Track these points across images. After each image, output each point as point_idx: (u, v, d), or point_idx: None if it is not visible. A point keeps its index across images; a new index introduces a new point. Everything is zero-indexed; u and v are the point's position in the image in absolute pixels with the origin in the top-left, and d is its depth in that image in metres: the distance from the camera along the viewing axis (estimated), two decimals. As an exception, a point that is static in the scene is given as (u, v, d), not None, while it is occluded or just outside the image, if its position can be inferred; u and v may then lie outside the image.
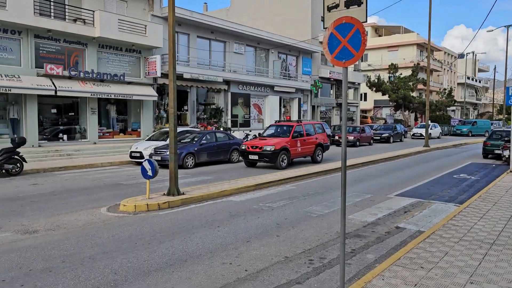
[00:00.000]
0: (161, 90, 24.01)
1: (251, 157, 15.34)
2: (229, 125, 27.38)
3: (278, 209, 8.74)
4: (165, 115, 24.38)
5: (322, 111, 38.34)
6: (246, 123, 29.35)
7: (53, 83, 17.96)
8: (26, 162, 13.66)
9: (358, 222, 7.64)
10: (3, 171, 13.01)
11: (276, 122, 18.77)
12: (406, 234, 6.87)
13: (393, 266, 5.05)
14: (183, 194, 9.61)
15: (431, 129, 35.16)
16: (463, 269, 4.95)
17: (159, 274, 5.11)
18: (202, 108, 27.58)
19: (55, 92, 17.87)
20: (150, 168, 9.02)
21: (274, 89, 31.45)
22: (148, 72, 22.44)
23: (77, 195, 10.22)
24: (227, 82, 27.46)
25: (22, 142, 13.61)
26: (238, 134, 24.44)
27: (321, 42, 35.72)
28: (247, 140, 21.73)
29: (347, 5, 3.89)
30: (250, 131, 24.77)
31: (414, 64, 48.25)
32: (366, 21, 3.89)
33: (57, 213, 8.27)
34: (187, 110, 25.84)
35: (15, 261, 5.50)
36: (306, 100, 35.93)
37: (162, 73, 22.41)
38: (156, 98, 22.76)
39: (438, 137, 37.40)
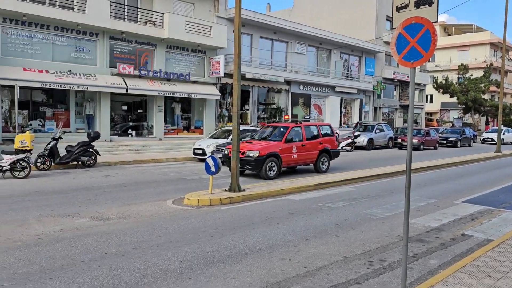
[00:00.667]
0: (223, 90, 24.63)
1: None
2: (289, 125, 27.43)
3: (337, 209, 8.72)
4: (226, 114, 25.01)
5: (385, 112, 37.24)
6: (306, 124, 29.22)
7: (124, 82, 19.11)
8: (99, 155, 14.70)
9: (421, 227, 7.43)
10: (80, 162, 14.09)
11: (272, 122, 16.63)
12: (473, 242, 6.58)
13: (458, 273, 4.89)
14: (244, 191, 9.87)
15: (503, 134, 32.93)
16: (536, 281, 4.68)
17: (221, 265, 5.34)
18: (262, 108, 27.92)
19: (126, 90, 19.00)
20: (213, 164, 9.38)
21: (335, 90, 31.07)
22: (212, 72, 23.13)
23: (144, 187, 10.85)
24: (288, 82, 27.58)
25: (97, 136, 14.66)
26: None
27: (385, 42, 34.76)
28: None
29: (417, 5, 3.85)
30: (310, 131, 24.65)
31: (487, 65, 45.41)
32: (437, 21, 3.82)
33: (127, 203, 8.85)
34: (248, 109, 26.29)
35: (92, 245, 6.00)
36: (368, 101, 35.11)
37: (225, 73, 23.00)
38: (218, 97, 23.40)
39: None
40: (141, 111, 21.88)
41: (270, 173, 12.42)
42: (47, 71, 17.05)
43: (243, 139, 17.01)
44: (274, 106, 28.24)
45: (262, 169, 12.22)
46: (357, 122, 30.62)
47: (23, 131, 14.19)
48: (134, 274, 4.94)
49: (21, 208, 8.20)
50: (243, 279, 4.90)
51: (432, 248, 6.22)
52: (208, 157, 9.60)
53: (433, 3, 3.77)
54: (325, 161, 14.44)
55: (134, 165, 15.63)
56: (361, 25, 35.59)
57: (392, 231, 7.13)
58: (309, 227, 7.29)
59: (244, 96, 26.52)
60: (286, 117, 17.22)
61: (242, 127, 19.84)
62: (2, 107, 16.59)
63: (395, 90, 37.91)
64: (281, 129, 13.80)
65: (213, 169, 9.40)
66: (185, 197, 9.24)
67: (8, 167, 11.59)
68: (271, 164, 12.44)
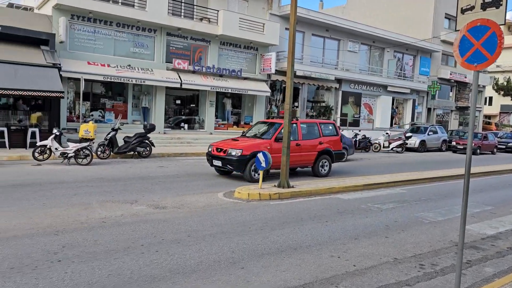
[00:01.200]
0: (273, 86, 24.78)
1: (215, 162, 11.41)
2: (338, 123, 27.18)
3: (387, 211, 8.63)
4: (276, 111, 25.16)
5: (439, 114, 35.86)
6: (355, 123, 28.83)
7: (179, 77, 19.76)
8: (154, 146, 15.35)
9: (476, 233, 7.21)
10: (136, 153, 14.80)
11: (267, 118, 14.88)
12: (533, 252, 6.32)
13: (514, 283, 4.76)
14: (293, 187, 9.99)
15: None
16: None
17: (272, 257, 5.51)
18: (311, 105, 27.81)
19: (181, 84, 19.64)
20: (264, 159, 9.57)
21: (387, 89, 30.32)
22: (263, 69, 23.36)
23: (196, 179, 11.25)
24: (338, 81, 27.28)
25: (153, 128, 15.33)
26: (347, 133, 24.13)
27: (443, 41, 33.43)
28: (355, 140, 21.44)
29: (483, 7, 3.78)
30: (360, 130, 24.33)
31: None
32: (504, 24, 3.73)
33: (181, 194, 9.25)
34: (297, 107, 26.30)
35: (150, 231, 6.37)
36: (421, 102, 33.98)
37: (276, 70, 23.15)
38: (269, 94, 23.60)
39: None
40: (193, 105, 22.53)
41: (255, 175, 10.92)
42: (108, 65, 17.99)
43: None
44: (323, 104, 28.04)
45: (246, 170, 10.90)
46: (411, 123, 29.77)
47: (85, 121, 15.08)
48: (190, 261, 5.22)
49: (85, 193, 8.81)
50: (293, 272, 5.04)
51: (488, 256, 6.05)
52: (259, 152, 9.80)
53: (501, 5, 3.69)
54: (326, 164, 12.83)
55: (186, 157, 16.17)
56: (417, 23, 34.42)
57: (445, 236, 6.98)
58: (358, 226, 7.30)
59: (294, 93, 26.50)
60: (282, 112, 15.14)
61: (291, 124, 19.95)
62: (67, 98, 17.69)
63: (451, 91, 36.38)
64: (274, 126, 12.32)
65: (263, 164, 9.59)
66: (235, 190, 9.50)
67: (73, 154, 12.43)
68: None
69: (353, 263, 5.48)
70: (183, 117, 21.99)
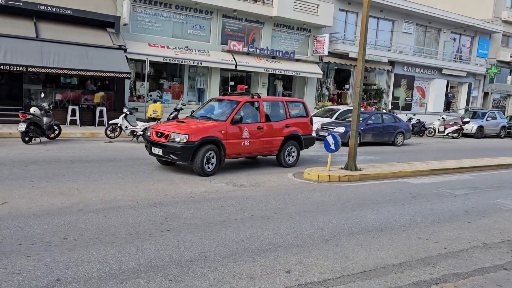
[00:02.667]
0: (324, 68, 24.58)
1: (155, 150, 8.95)
2: (389, 107, 26.68)
3: (461, 196, 8.57)
4: (326, 93, 25.03)
5: (495, 99, 34.33)
6: (407, 106, 28.18)
7: (234, 58, 20.01)
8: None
9: (561, 222, 7.07)
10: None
11: (226, 95, 11.12)
12: None
13: None
14: (360, 170, 10.08)
15: None
16: None
17: (361, 237, 5.68)
18: (363, 88, 27.35)
19: (235, 66, 19.91)
20: (333, 142, 9.68)
21: (442, 72, 29.30)
22: (316, 50, 23.19)
23: (263, 160, 11.53)
24: (391, 63, 26.65)
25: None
26: (402, 117, 23.73)
27: (504, 21, 31.74)
28: (409, 123, 20.89)
29: None
30: (414, 114, 23.78)
31: None
32: None
33: (252, 173, 9.56)
34: (348, 89, 26.02)
35: (237, 207, 6.70)
36: (477, 86, 32.63)
37: (328, 52, 22.91)
38: (321, 76, 23.46)
39: None
40: (246, 86, 22.77)
41: (207, 168, 8.78)
42: (168, 47, 18.48)
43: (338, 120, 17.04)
44: (375, 86, 27.55)
45: (195, 161, 8.61)
46: (467, 108, 28.77)
47: (154, 102, 15.70)
48: (285, 236, 5.49)
49: (163, 168, 9.29)
50: (386, 251, 5.21)
51: None
52: (328, 135, 9.91)
53: None
54: (293, 152, 10.68)
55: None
56: (476, 2, 32.77)
57: (529, 223, 6.90)
58: (436, 211, 7.32)
59: (345, 76, 26.28)
60: (242, 87, 12.01)
61: (344, 107, 19.87)
62: (129, 79, 18.39)
63: (510, 75, 34.63)
64: (230, 104, 9.84)
65: (332, 146, 9.71)
66: (305, 171, 9.70)
67: (141, 132, 13.02)
68: (210, 154, 8.74)
69: (443, 245, 5.57)
70: (237, 98, 22.33)
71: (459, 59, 30.62)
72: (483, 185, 9.99)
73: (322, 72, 23.41)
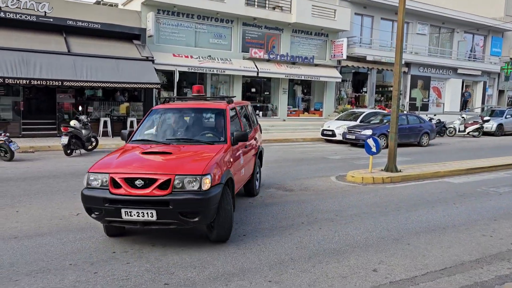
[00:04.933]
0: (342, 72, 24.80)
1: (135, 216, 4.73)
2: (407, 108, 26.79)
3: (506, 194, 8.70)
4: (345, 96, 25.22)
5: (510, 96, 34.30)
6: (424, 107, 28.26)
7: (255, 65, 20.30)
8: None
9: None
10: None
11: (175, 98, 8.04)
12: None
13: None
14: (400, 171, 10.24)
15: None
16: None
17: (428, 235, 5.85)
18: (380, 90, 27.54)
19: (257, 73, 20.20)
20: (374, 145, 9.85)
21: (457, 72, 29.39)
22: (334, 55, 23.42)
23: (300, 164, 11.75)
24: (407, 64, 26.79)
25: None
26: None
27: (518, 19, 31.74)
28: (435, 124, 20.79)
29: None
30: (435, 115, 23.88)
31: None
32: None
33: (296, 178, 9.76)
34: (366, 92, 26.20)
35: (299, 211, 6.89)
36: (492, 84, 32.64)
37: (347, 56, 23.13)
38: (340, 80, 23.67)
39: None
40: (267, 92, 23.04)
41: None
42: (191, 56, 18.82)
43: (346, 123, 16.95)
44: (391, 89, 27.64)
45: (218, 217, 5.10)
46: (483, 106, 28.79)
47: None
48: (356, 237, 5.68)
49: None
50: (458, 249, 5.37)
51: None
52: (369, 137, 10.10)
53: None
54: (257, 173, 7.92)
55: (269, 143, 16.73)
56: (488, 1, 32.87)
57: None
58: (488, 209, 7.47)
59: (362, 79, 26.46)
60: (199, 88, 7.98)
61: (368, 110, 20.04)
62: (159, 89, 18.64)
63: (523, 72, 34.59)
64: (209, 115, 6.86)
65: (374, 149, 9.88)
66: (347, 174, 9.89)
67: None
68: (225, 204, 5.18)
69: (509, 241, 5.72)
70: (258, 104, 22.58)
71: (473, 58, 30.69)
72: (523, 182, 10.11)
73: (341, 76, 23.62)
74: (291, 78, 21.86)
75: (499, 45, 32.10)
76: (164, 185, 4.73)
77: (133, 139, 6.07)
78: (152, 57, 16.70)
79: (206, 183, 4.80)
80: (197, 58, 18.91)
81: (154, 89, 17.60)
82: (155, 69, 16.58)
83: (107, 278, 4.18)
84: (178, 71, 18.65)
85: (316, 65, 22.75)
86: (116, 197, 4.72)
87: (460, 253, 5.23)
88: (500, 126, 24.08)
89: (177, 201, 4.68)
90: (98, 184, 4.86)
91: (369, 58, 24.18)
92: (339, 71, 23.84)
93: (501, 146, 18.62)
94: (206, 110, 6.82)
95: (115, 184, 4.79)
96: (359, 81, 26.66)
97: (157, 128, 6.42)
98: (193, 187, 4.77)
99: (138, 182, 4.75)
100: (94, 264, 4.52)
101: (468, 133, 22.88)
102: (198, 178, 4.78)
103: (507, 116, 24.69)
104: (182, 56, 18.57)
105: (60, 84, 13.98)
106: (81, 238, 5.32)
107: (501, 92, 33.10)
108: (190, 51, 19.06)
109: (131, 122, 16.08)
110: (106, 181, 4.81)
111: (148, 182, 4.75)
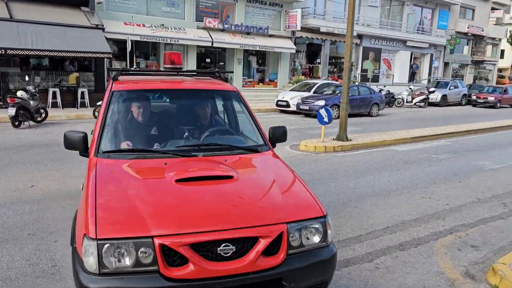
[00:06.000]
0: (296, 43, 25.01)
1: None
2: (359, 80, 27.60)
3: (445, 160, 9.42)
4: (299, 67, 25.55)
5: (454, 68, 36.14)
6: (375, 79, 29.19)
7: (210, 35, 20.03)
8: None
9: (536, 178, 8.04)
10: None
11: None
12: None
13: None
14: (351, 140, 10.74)
15: None
16: None
17: (373, 199, 6.31)
18: (333, 62, 28.10)
19: (212, 43, 19.97)
20: (326, 115, 10.24)
21: (406, 44, 30.48)
22: (288, 26, 23.51)
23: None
24: (359, 36, 27.42)
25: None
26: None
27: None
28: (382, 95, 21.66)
29: None
30: (384, 86, 24.81)
31: None
32: None
33: (252, 147, 9.99)
34: (319, 63, 26.66)
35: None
36: (438, 56, 34.16)
37: (301, 27, 23.30)
38: (294, 51, 23.89)
39: None
40: (222, 63, 22.88)
41: None
42: (143, 25, 18.25)
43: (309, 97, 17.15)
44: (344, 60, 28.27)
45: None
46: (431, 78, 30.19)
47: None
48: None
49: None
50: (400, 210, 5.87)
51: (556, 195, 6.87)
52: (322, 108, 10.46)
53: None
54: None
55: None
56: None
57: (510, 180, 7.79)
58: (429, 173, 8.10)
59: (316, 50, 26.84)
60: (174, 57, 4.63)
61: (321, 81, 20.50)
62: (110, 59, 18.05)
63: (466, 45, 36.44)
64: (213, 102, 4.46)
65: (326, 119, 10.28)
66: (301, 144, 10.26)
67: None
68: None
69: (445, 202, 6.31)
70: (213, 75, 22.41)
71: (422, 31, 31.86)
72: (461, 149, 10.94)
73: (295, 47, 23.82)
74: (246, 48, 21.81)
75: (446, 18, 33.44)
76: (271, 247, 2.61)
77: (104, 148, 3.37)
78: (102, 25, 16.05)
79: (329, 230, 2.87)
80: (149, 27, 18.38)
81: (105, 59, 17.02)
82: (105, 37, 15.97)
83: (69, 246, 4.25)
84: (130, 40, 18.13)
85: (271, 35, 22.78)
86: (180, 285, 2.40)
87: (401, 213, 5.72)
88: (444, 97, 25.46)
89: (297, 272, 2.64)
90: (128, 263, 2.39)
91: (322, 29, 24.50)
92: (294, 42, 24.02)
93: (445, 116, 19.80)
94: (210, 92, 4.34)
95: (173, 258, 2.44)
96: (313, 52, 27.02)
97: (140, 124, 3.83)
98: (314, 240, 2.79)
99: (223, 249, 2.49)
100: (54, 233, 4.56)
101: (415, 103, 24.06)
102: (321, 223, 2.80)
103: (451, 88, 26.13)
104: (134, 25, 17.96)
105: (3, 52, 13.19)
106: (38, 209, 5.29)
107: (446, 64, 34.75)
108: (142, 20, 18.46)
109: (82, 93, 15.53)
110: (151, 253, 2.40)
111: (241, 246, 2.54)
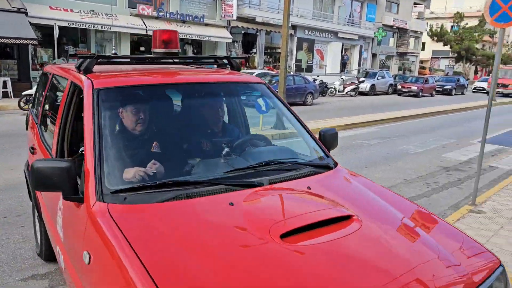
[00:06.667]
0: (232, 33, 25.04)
1: None
2: (293, 70, 28.27)
3: (375, 146, 10.05)
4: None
5: (381, 59, 38.22)
6: (309, 69, 30.06)
7: (144, 23, 19.44)
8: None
9: (454, 160, 8.85)
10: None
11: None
12: (501, 171, 8.04)
13: (501, 191, 6.32)
14: (287, 128, 11.05)
15: (494, 83, 34.48)
16: (562, 196, 6.14)
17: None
18: (268, 52, 28.51)
19: (146, 31, 19.38)
20: (264, 104, 10.42)
21: (338, 36, 31.67)
22: (224, 15, 23.44)
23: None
24: (293, 27, 28.00)
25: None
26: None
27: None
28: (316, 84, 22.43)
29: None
30: (318, 76, 25.64)
31: (482, 14, 46.12)
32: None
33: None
34: (255, 53, 26.91)
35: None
36: (367, 48, 35.89)
37: (237, 16, 23.34)
38: (230, 40, 23.90)
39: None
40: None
41: None
42: (71, 10, 17.27)
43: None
44: (279, 50, 28.80)
45: None
46: (360, 69, 31.65)
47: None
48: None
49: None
50: (336, 193, 6.20)
51: (470, 175, 7.63)
52: (259, 97, 10.63)
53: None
54: None
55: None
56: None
57: (431, 162, 8.52)
58: (361, 158, 8.60)
59: (252, 40, 27.05)
60: (166, 36, 3.13)
61: (258, 71, 20.75)
62: (36, 45, 16.87)
63: (392, 37, 38.64)
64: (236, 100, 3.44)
65: (263, 108, 10.43)
66: (240, 133, 10.37)
67: (61, 103, 12.39)
68: None
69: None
70: (148, 64, 21.81)
71: (352, 23, 33.25)
72: (389, 135, 11.71)
73: (231, 37, 23.84)
74: (181, 37, 21.39)
75: (373, 11, 35.15)
76: None
77: (113, 184, 2.01)
78: (25, 9, 14.96)
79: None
80: (78, 12, 17.42)
81: (30, 46, 15.91)
82: (29, 23, 14.91)
83: (2, 242, 4.02)
84: (58, 25, 17.08)
85: (207, 24, 22.60)
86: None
87: (337, 196, 6.05)
88: (373, 86, 26.89)
89: None
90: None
91: (258, 19, 24.73)
92: (230, 32, 24.02)
93: (374, 105, 20.94)
94: (235, 86, 3.31)
95: None
96: (248, 42, 27.21)
97: (150, 139, 2.48)
98: None
99: None
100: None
101: (346, 93, 25.17)
102: (502, 274, 1.96)
103: (379, 78, 27.65)
104: (61, 10, 16.94)
105: None
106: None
107: (374, 56, 36.63)
108: (70, 4, 17.45)
109: (4, 82, 14.41)
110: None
111: None
